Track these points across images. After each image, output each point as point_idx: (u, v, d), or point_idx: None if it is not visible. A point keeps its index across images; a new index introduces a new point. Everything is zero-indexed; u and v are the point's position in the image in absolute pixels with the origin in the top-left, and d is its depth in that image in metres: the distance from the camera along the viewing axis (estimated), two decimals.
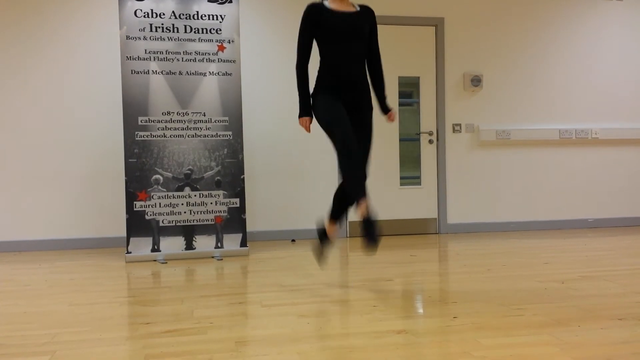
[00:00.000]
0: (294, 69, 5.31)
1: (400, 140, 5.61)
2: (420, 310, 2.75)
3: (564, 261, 4.02)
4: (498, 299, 2.95)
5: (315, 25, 3.11)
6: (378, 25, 5.51)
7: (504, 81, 5.77)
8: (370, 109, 3.20)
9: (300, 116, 3.19)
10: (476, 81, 5.64)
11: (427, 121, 5.65)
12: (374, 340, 2.29)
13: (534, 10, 5.83)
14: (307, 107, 3.18)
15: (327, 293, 3.15)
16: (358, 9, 3.19)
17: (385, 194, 5.55)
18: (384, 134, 5.54)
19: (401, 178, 5.62)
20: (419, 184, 5.65)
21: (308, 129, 3.19)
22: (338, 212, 3.24)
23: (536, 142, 5.84)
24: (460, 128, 5.68)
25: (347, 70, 3.09)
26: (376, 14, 5.48)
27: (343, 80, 3.09)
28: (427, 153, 5.65)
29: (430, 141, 5.65)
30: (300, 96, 3.18)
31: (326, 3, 3.16)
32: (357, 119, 3.15)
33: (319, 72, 3.16)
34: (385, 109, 3.30)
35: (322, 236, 3.35)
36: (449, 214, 5.69)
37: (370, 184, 5.51)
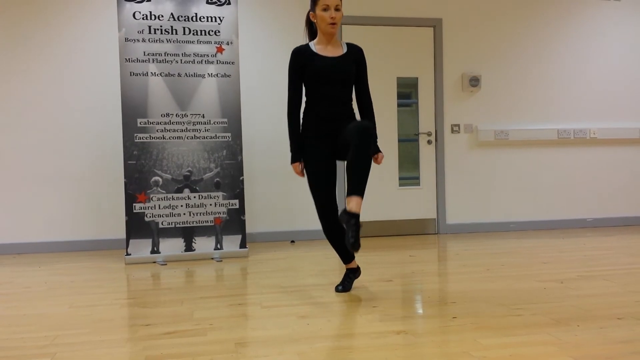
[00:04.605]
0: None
1: (399, 140, 5.61)
2: (420, 311, 2.76)
3: (562, 261, 4.02)
4: (497, 299, 2.96)
5: (302, 69, 3.09)
6: (377, 27, 5.52)
7: (502, 81, 5.78)
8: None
9: (292, 162, 3.16)
10: (474, 82, 5.65)
11: (426, 122, 5.65)
12: (374, 340, 2.30)
13: (531, 10, 5.84)
14: (298, 154, 3.15)
15: (326, 294, 3.15)
16: (345, 50, 3.13)
17: (384, 195, 5.56)
18: (383, 135, 5.54)
19: (400, 178, 5.62)
20: (418, 184, 5.66)
21: (301, 174, 3.17)
22: (352, 184, 2.89)
23: (534, 142, 5.85)
24: (459, 128, 5.69)
25: (331, 111, 3.07)
26: (374, 15, 5.49)
27: (326, 120, 3.08)
28: (426, 153, 5.66)
29: (429, 142, 5.66)
30: (291, 143, 3.15)
31: (312, 46, 3.11)
32: (344, 127, 3.07)
33: (304, 111, 3.16)
34: (373, 150, 3.13)
35: (350, 215, 2.82)
36: (447, 214, 5.69)
37: (370, 184, 5.52)
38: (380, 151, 3.19)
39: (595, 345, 2.19)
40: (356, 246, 2.77)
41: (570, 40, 5.92)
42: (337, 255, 4.41)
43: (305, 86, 3.14)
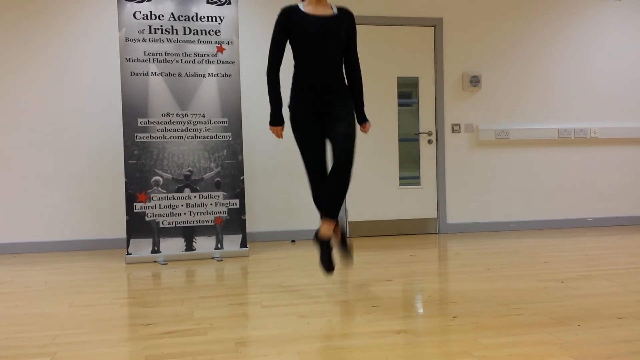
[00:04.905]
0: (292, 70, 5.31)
1: (400, 140, 5.62)
2: (420, 310, 2.76)
3: (563, 260, 4.02)
4: (497, 298, 2.96)
5: (289, 29, 3.02)
6: (377, 27, 5.51)
7: (502, 81, 5.78)
8: (347, 100, 3.07)
9: (270, 124, 3.11)
10: (475, 81, 5.65)
11: (426, 121, 5.65)
12: (374, 340, 2.30)
13: (532, 10, 5.84)
14: (278, 116, 3.09)
15: (327, 293, 3.15)
16: (336, 12, 3.07)
17: (384, 194, 5.56)
18: (384, 134, 5.54)
19: (400, 178, 5.62)
20: (419, 184, 5.66)
21: (280, 136, 3.14)
22: (327, 207, 2.99)
23: (535, 141, 5.85)
24: (460, 128, 5.69)
25: (319, 74, 3.00)
26: (374, 14, 5.49)
27: (316, 85, 3.00)
28: (427, 153, 5.66)
29: (430, 141, 5.66)
30: (271, 104, 3.08)
31: (301, 7, 3.06)
32: (335, 117, 3.01)
33: (293, 76, 3.09)
34: (361, 119, 3.18)
35: (321, 242, 3.05)
36: (448, 213, 5.69)
37: (370, 184, 5.52)
38: (367, 120, 3.21)
39: (595, 345, 2.19)
40: (330, 269, 2.97)
41: (570, 40, 5.92)
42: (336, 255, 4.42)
43: (293, 49, 3.07)
